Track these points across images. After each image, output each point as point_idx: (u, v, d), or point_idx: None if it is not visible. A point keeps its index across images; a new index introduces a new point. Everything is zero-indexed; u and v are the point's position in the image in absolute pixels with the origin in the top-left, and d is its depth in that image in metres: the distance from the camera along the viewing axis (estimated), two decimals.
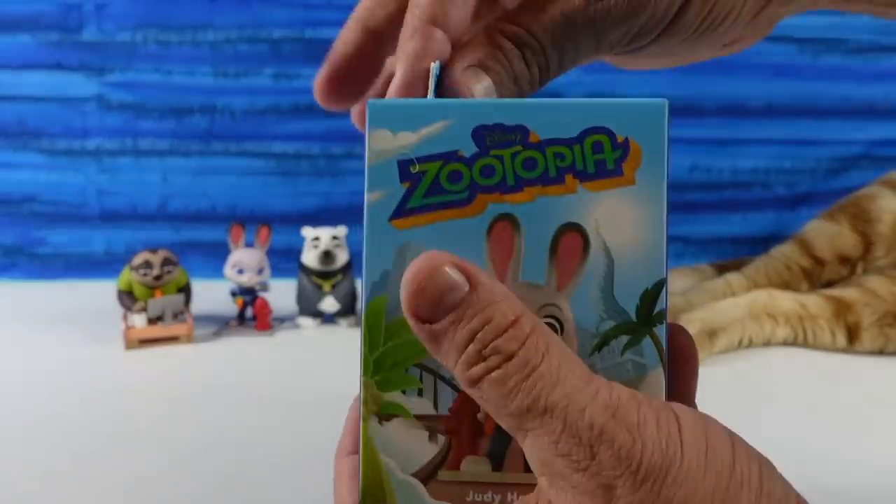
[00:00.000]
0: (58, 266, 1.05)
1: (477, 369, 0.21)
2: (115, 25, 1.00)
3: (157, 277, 0.80)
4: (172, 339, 0.81)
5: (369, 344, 0.24)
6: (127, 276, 0.82)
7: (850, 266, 0.89)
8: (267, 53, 1.01)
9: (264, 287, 0.87)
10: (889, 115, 1.06)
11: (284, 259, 0.95)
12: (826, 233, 0.90)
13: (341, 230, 0.87)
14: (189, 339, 0.81)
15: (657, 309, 0.24)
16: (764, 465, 0.21)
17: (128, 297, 0.81)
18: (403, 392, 0.24)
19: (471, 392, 0.22)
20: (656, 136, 0.24)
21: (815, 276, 0.88)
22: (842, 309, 0.80)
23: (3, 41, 1.00)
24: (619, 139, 0.24)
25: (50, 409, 0.65)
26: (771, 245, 0.95)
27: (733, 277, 0.89)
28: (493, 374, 0.21)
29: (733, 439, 0.21)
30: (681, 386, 0.25)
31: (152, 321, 0.80)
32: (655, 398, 0.22)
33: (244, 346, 0.82)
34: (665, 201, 0.24)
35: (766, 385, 0.72)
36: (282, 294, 0.88)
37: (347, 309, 0.88)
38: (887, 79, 1.05)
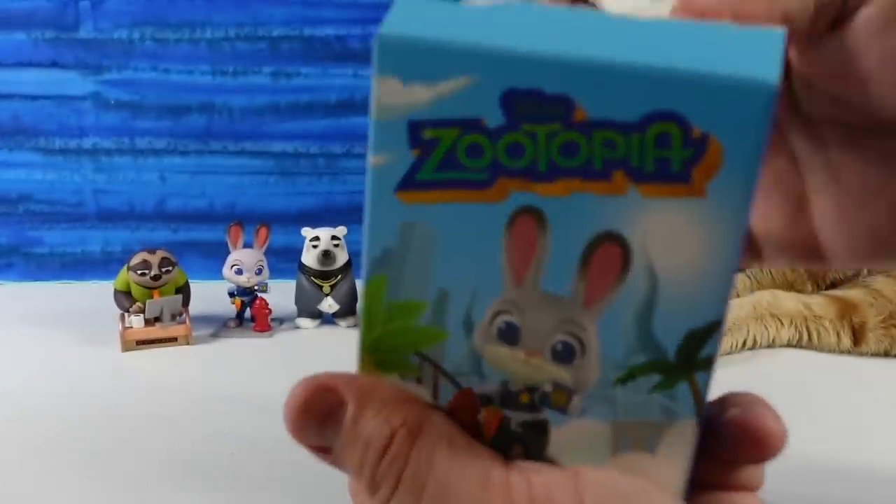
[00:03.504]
0: (54, 266, 1.05)
1: (378, 498, 0.21)
2: (111, 23, 0.99)
3: (155, 278, 0.80)
4: (170, 341, 0.80)
5: (368, 323, 0.21)
6: (124, 276, 0.81)
7: None
8: (265, 52, 1.00)
9: (263, 287, 0.87)
10: None
11: (283, 259, 0.95)
12: None
13: (341, 230, 0.87)
14: (187, 340, 0.81)
15: (704, 353, 0.20)
16: None
17: (125, 298, 0.81)
18: (402, 377, 0.22)
19: None
20: (749, 136, 0.17)
21: (820, 276, 0.88)
22: (847, 309, 0.79)
23: None
24: (696, 133, 0.18)
25: (46, 411, 0.65)
26: None
27: (737, 278, 0.88)
28: (392, 502, 0.20)
29: None
30: (742, 476, 0.22)
31: (150, 322, 0.80)
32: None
33: (243, 348, 0.81)
34: (743, 226, 0.18)
35: (771, 386, 0.71)
36: (281, 295, 0.87)
37: (347, 309, 0.87)
38: None
